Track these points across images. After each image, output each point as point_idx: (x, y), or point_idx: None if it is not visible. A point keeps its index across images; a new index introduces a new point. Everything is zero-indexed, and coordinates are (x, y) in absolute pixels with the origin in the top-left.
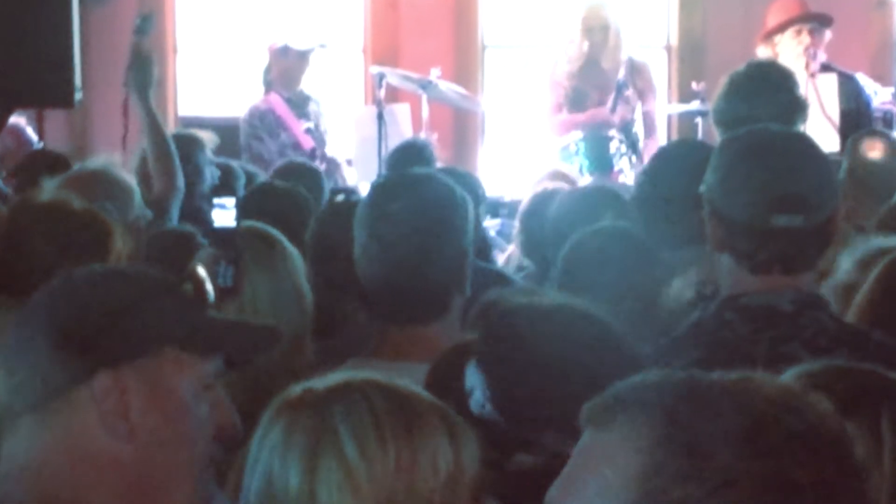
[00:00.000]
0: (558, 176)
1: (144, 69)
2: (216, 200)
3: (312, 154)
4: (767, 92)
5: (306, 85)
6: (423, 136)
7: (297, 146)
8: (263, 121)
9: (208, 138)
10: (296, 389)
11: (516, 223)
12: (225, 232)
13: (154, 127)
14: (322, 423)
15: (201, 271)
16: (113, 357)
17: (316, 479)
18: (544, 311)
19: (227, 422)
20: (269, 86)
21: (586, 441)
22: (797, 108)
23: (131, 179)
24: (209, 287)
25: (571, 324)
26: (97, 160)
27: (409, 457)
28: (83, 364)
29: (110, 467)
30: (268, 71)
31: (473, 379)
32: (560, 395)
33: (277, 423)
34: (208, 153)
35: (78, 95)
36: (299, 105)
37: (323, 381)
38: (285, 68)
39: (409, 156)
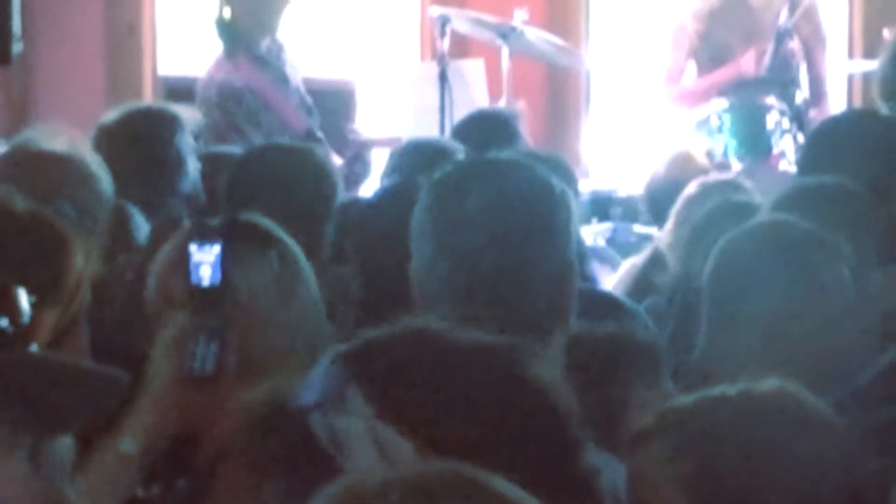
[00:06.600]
0: (685, 163)
1: None
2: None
3: (308, 135)
4: None
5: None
6: (503, 104)
7: (286, 127)
8: (242, 104)
9: (189, 116)
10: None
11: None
12: (208, 292)
13: None
14: None
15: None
16: None
17: None
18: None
19: None
20: (232, 44)
21: None
22: None
23: (99, 166)
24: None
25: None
26: (45, 133)
27: None
28: None
29: None
30: (226, 21)
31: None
32: None
33: None
34: (189, 138)
35: (17, 47)
36: (270, 63)
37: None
38: (252, 11)
39: (485, 132)
